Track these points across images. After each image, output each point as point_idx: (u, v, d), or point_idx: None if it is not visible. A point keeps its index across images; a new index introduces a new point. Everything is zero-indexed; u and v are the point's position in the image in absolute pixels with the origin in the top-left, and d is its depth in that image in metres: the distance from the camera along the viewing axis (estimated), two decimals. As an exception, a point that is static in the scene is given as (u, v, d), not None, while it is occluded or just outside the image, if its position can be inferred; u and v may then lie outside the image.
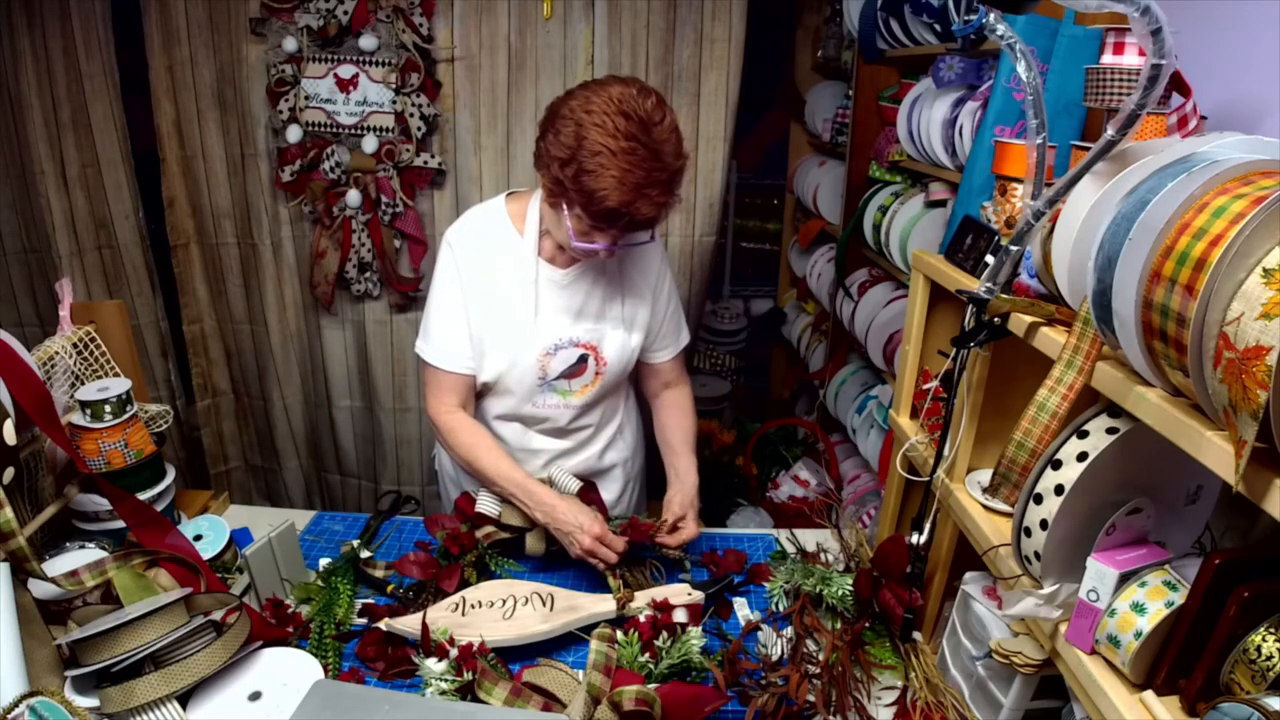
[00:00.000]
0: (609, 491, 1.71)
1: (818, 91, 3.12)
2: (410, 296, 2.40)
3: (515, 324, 1.50)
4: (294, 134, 2.25)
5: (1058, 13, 1.33)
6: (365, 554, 1.47)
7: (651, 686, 1.09)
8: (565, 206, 1.34)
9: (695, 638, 1.23)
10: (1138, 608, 0.84)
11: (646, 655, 1.21)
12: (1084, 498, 0.90)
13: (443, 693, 1.14)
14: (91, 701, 1.04)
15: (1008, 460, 0.97)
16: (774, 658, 1.26)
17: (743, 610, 1.43)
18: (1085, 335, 0.89)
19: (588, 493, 1.56)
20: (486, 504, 1.52)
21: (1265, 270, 0.64)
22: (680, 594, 1.35)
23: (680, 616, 1.30)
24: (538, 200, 1.48)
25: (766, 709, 1.14)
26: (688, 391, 1.75)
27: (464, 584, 1.40)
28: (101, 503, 1.33)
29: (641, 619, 1.27)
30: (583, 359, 1.55)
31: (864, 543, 1.54)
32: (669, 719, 1.07)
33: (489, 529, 1.50)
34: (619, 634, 1.22)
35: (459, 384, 1.53)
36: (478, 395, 1.61)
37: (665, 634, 1.24)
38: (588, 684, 1.12)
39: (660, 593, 1.35)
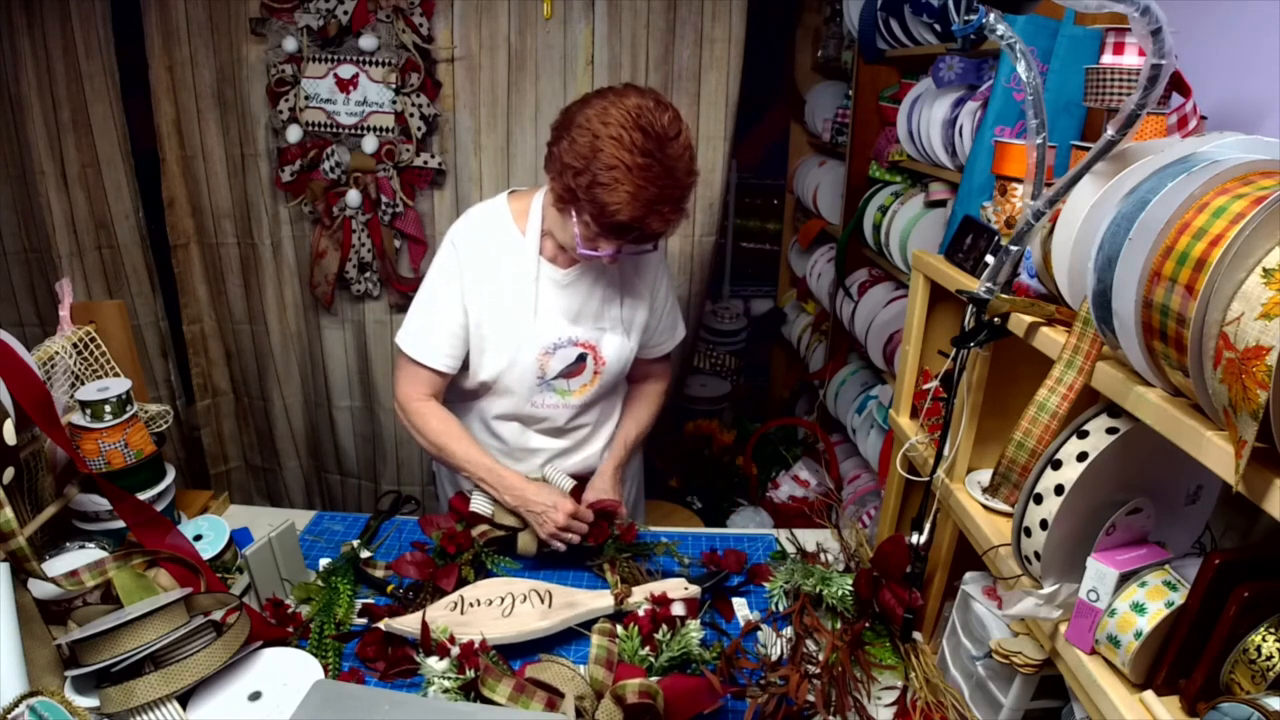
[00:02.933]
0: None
1: (818, 91, 3.12)
2: (410, 296, 2.39)
3: (515, 323, 1.50)
4: (294, 134, 2.25)
5: (1058, 13, 1.33)
6: (365, 554, 1.47)
7: (653, 679, 1.09)
8: (574, 213, 1.35)
9: (694, 630, 1.23)
10: (1138, 608, 0.84)
11: (647, 649, 1.21)
12: (1084, 498, 0.90)
13: (445, 691, 1.14)
14: (91, 701, 1.04)
15: (1008, 460, 0.97)
16: (774, 658, 1.26)
17: (743, 610, 1.43)
18: (1085, 335, 0.89)
19: (584, 491, 1.56)
20: (480, 503, 1.52)
21: (1265, 270, 0.64)
22: (677, 588, 1.35)
23: (678, 610, 1.30)
24: (540, 199, 1.48)
25: (766, 709, 1.14)
26: (663, 387, 1.78)
27: (462, 582, 1.40)
28: (101, 503, 1.33)
29: (640, 613, 1.28)
30: (581, 358, 1.55)
31: (864, 543, 1.54)
32: (671, 711, 1.07)
33: (484, 527, 1.50)
34: (619, 628, 1.23)
35: (433, 379, 1.54)
36: (475, 395, 1.61)
37: (665, 627, 1.24)
38: (590, 678, 1.12)
39: (658, 587, 1.35)
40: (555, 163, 1.35)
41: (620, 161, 1.25)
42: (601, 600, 1.34)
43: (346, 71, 2.21)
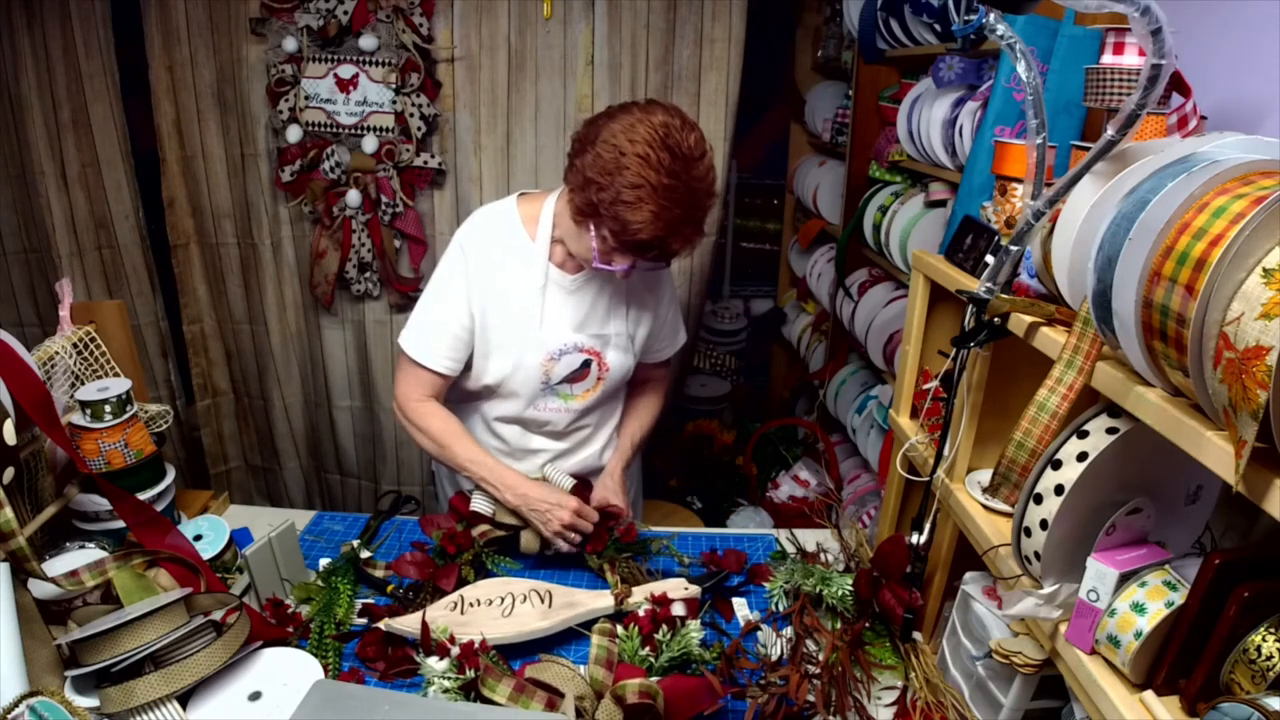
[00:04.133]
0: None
1: (818, 91, 3.12)
2: (410, 296, 2.40)
3: (521, 328, 1.50)
4: (294, 134, 2.25)
5: (1058, 13, 1.33)
6: (365, 554, 1.47)
7: (654, 679, 1.09)
8: (593, 228, 1.34)
9: (694, 630, 1.23)
10: (1138, 608, 0.84)
11: (647, 649, 1.21)
12: (1084, 498, 0.90)
13: (445, 691, 1.14)
14: (91, 701, 1.04)
15: (1008, 460, 0.97)
16: (774, 658, 1.26)
17: (743, 610, 1.43)
18: (1085, 335, 0.89)
19: (582, 491, 1.56)
20: (481, 503, 1.52)
21: (1265, 270, 0.64)
22: (677, 588, 1.35)
23: (678, 610, 1.30)
24: (551, 204, 1.48)
25: (766, 709, 1.14)
26: (664, 388, 1.78)
27: (462, 582, 1.40)
28: (101, 503, 1.33)
29: (640, 613, 1.28)
30: (586, 364, 1.55)
31: (864, 543, 1.54)
32: (671, 711, 1.07)
33: (484, 527, 1.50)
34: (619, 628, 1.23)
35: (434, 380, 1.54)
36: (478, 396, 1.61)
37: (665, 627, 1.24)
38: (590, 678, 1.12)
39: (658, 587, 1.35)
40: (577, 176, 1.33)
41: (645, 180, 1.25)
42: (601, 600, 1.34)
43: (346, 71, 2.21)
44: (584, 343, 1.53)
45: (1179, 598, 0.82)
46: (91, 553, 1.28)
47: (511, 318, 1.50)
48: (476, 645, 1.19)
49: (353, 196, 2.28)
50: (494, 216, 1.52)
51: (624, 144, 1.26)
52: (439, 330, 1.50)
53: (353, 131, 2.26)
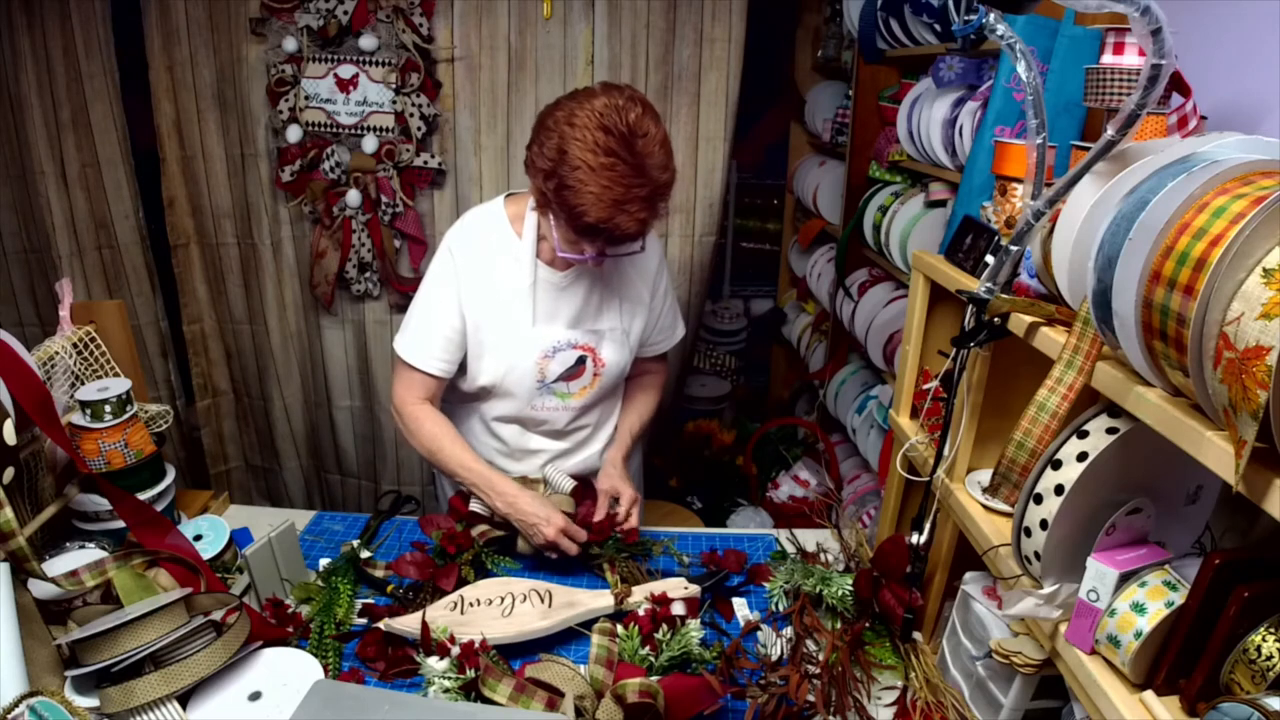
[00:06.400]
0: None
1: (818, 91, 3.12)
2: (410, 296, 2.39)
3: (513, 327, 1.50)
4: (294, 134, 2.25)
5: (1058, 13, 1.33)
6: (365, 554, 1.47)
7: (654, 679, 1.09)
8: (551, 217, 1.35)
9: (694, 630, 1.23)
10: (1138, 608, 0.84)
11: (647, 648, 1.21)
12: (1084, 498, 0.90)
13: (445, 691, 1.14)
14: (91, 701, 1.04)
15: (1008, 460, 0.97)
16: (774, 658, 1.26)
17: (743, 610, 1.43)
18: (1085, 335, 0.89)
19: (583, 491, 1.56)
20: (480, 504, 1.52)
21: (1265, 270, 0.64)
22: (677, 588, 1.35)
23: (678, 610, 1.30)
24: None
25: (766, 709, 1.14)
26: (661, 380, 1.78)
27: (462, 582, 1.40)
28: (101, 503, 1.33)
29: (640, 613, 1.28)
30: (581, 361, 1.55)
31: (864, 543, 1.54)
32: (671, 710, 1.07)
33: (483, 527, 1.50)
34: (619, 628, 1.23)
35: (428, 383, 1.54)
36: (476, 397, 1.61)
37: (665, 627, 1.24)
38: (590, 678, 1.12)
39: (658, 586, 1.35)
40: (531, 166, 1.35)
41: (584, 162, 1.25)
42: (601, 600, 1.34)
43: (346, 71, 2.21)
44: (577, 339, 1.53)
45: (1179, 598, 0.82)
46: (91, 553, 1.28)
47: (503, 317, 1.50)
48: (476, 645, 1.19)
49: (353, 196, 2.28)
50: (481, 217, 1.53)
51: (564, 130, 1.27)
52: (431, 333, 1.51)
53: (353, 131, 2.26)
